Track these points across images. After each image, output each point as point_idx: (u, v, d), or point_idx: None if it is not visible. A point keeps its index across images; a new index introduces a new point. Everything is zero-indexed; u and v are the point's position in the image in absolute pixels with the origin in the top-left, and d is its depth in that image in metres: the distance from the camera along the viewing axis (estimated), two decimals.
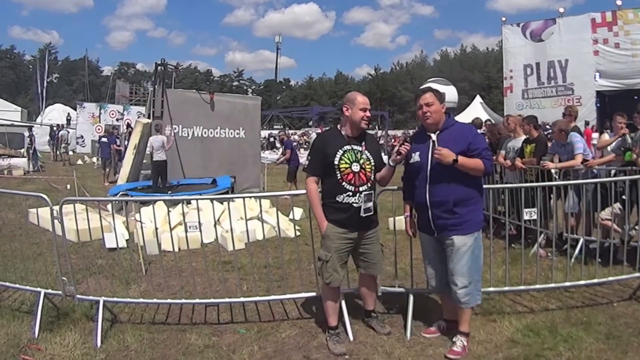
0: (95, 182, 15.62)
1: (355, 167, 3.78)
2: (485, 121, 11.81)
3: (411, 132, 34.48)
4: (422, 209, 3.81)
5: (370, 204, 3.83)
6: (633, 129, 6.61)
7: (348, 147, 3.81)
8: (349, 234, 3.81)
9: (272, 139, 37.37)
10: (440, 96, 3.80)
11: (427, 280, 4.10)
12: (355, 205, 3.76)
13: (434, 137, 3.72)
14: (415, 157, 3.79)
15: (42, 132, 28.52)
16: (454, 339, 3.76)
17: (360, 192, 3.77)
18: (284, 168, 12.95)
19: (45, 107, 39.05)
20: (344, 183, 3.75)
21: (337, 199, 3.77)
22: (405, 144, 3.94)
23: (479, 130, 8.26)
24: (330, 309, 3.96)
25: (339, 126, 3.97)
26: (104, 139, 17.06)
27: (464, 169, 3.61)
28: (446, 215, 3.68)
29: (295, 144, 18.03)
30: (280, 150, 22.71)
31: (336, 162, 3.75)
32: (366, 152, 3.86)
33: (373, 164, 3.87)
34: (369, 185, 3.84)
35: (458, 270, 3.70)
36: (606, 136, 7.16)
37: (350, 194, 3.75)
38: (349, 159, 3.77)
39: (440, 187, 3.68)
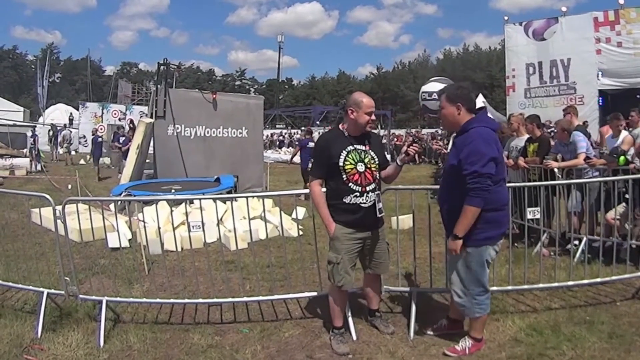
0: (98, 181, 15.66)
1: (361, 167, 3.75)
2: None
3: (414, 131, 34.56)
4: None
5: (381, 204, 3.83)
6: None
7: (352, 147, 3.77)
8: (358, 234, 3.78)
9: (279, 138, 37.52)
10: (453, 97, 3.60)
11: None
12: (363, 205, 3.73)
13: (451, 139, 3.72)
14: None
15: (44, 132, 28.57)
16: (461, 339, 3.75)
17: (368, 192, 3.75)
18: (287, 167, 12.91)
19: (48, 107, 39.11)
20: (350, 184, 3.72)
21: (344, 200, 3.73)
22: (414, 145, 3.94)
23: None
24: (336, 310, 3.94)
25: (340, 126, 3.92)
26: (100, 139, 18.43)
27: (467, 227, 3.44)
28: (446, 219, 3.68)
29: (297, 143, 17.97)
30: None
31: (341, 164, 3.71)
32: (370, 151, 3.84)
33: (377, 162, 3.85)
34: (376, 184, 3.82)
35: (451, 276, 3.71)
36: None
37: (358, 194, 3.72)
38: (353, 159, 3.74)
39: (444, 191, 3.69)
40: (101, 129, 30.16)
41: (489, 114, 3.90)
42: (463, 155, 3.42)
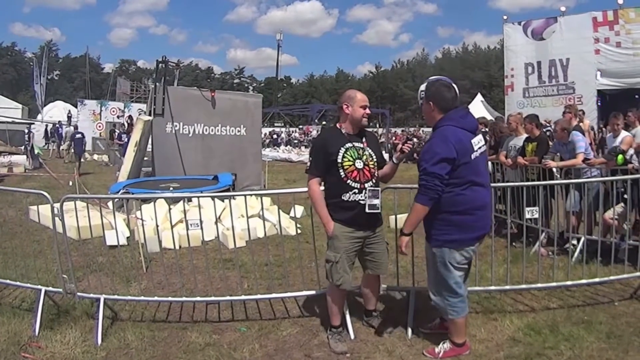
0: (97, 179, 15.64)
1: (359, 164, 3.73)
2: (496, 119, 11.65)
3: (412, 129, 34.57)
4: None
5: (377, 201, 3.74)
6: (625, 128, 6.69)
7: (349, 144, 3.76)
8: (357, 232, 3.76)
9: (274, 136, 37.53)
10: (427, 95, 3.57)
11: None
12: (361, 202, 3.71)
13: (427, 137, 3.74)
14: None
15: (43, 129, 28.56)
16: (442, 341, 3.72)
17: (366, 189, 3.73)
18: (285, 166, 12.90)
19: (46, 105, 39.04)
20: (348, 181, 3.70)
21: (342, 197, 3.71)
22: (409, 142, 3.94)
23: (484, 129, 8.25)
24: (335, 309, 3.94)
25: (338, 125, 3.92)
26: (78, 135, 18.59)
27: (414, 225, 3.52)
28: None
29: (296, 141, 18.03)
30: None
31: (339, 160, 3.70)
32: (368, 148, 3.83)
33: (375, 160, 3.85)
34: (374, 181, 3.81)
35: (427, 274, 3.75)
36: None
37: (357, 191, 3.71)
38: (351, 156, 3.73)
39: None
40: (99, 126, 30.28)
41: (470, 111, 3.80)
42: (424, 150, 3.51)
